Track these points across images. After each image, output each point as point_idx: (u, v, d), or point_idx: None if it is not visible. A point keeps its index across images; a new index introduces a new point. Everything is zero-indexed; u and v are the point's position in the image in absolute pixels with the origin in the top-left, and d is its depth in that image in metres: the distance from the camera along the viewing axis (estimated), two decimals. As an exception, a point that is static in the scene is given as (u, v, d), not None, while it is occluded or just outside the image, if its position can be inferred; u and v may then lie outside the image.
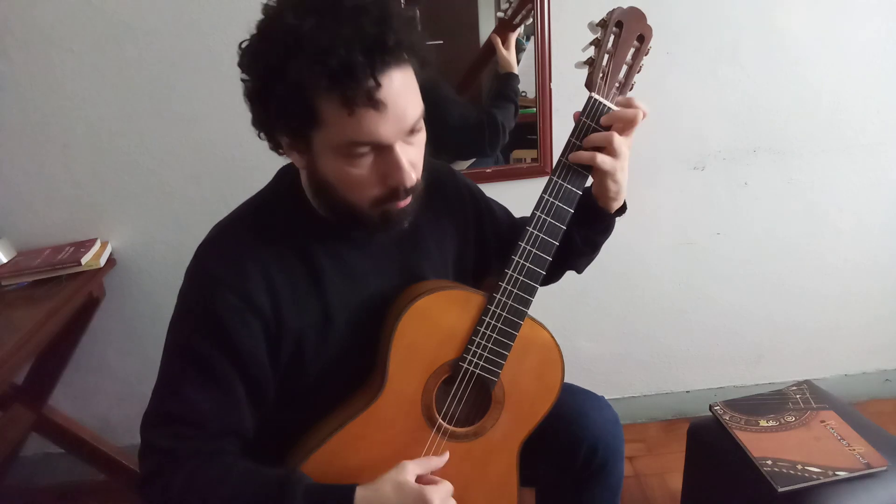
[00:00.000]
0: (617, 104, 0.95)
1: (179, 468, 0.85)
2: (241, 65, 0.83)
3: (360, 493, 0.84)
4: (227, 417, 0.90)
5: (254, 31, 0.81)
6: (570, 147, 0.94)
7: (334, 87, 0.75)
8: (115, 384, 1.90)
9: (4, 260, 1.63)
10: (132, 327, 1.83)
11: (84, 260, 1.57)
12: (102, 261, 1.63)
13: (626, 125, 0.93)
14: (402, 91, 0.79)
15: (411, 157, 0.85)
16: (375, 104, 0.77)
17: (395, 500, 0.84)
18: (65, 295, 1.50)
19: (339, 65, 0.73)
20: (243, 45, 0.82)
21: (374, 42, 0.75)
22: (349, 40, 0.74)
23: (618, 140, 0.92)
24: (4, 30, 1.52)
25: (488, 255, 1.14)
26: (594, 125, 0.94)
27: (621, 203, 1.03)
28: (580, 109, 0.95)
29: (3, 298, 1.51)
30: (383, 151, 0.82)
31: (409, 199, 0.88)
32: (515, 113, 1.68)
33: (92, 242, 1.67)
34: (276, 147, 0.89)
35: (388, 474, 0.86)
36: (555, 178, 0.94)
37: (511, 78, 1.65)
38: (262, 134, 0.88)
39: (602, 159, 0.92)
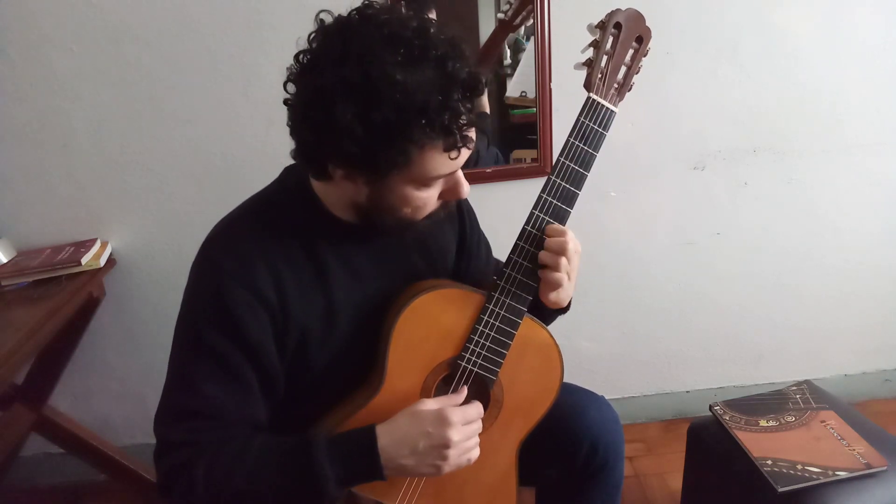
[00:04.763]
0: (548, 233, 0.94)
1: (201, 457, 0.86)
2: (320, 103, 0.77)
3: (380, 428, 0.87)
4: (243, 408, 0.91)
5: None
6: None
7: (446, 139, 0.79)
8: (115, 384, 1.90)
9: (4, 260, 1.63)
10: (132, 327, 1.83)
11: (84, 260, 1.57)
12: (102, 261, 1.63)
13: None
14: None
15: None
16: (471, 144, 0.83)
17: (412, 428, 0.86)
18: (65, 295, 1.49)
19: (450, 119, 0.77)
20: (321, 84, 0.77)
21: (471, 87, 0.80)
22: (451, 90, 0.77)
23: (564, 263, 0.93)
24: (4, 30, 1.52)
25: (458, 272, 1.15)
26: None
27: (566, 304, 1.01)
28: (580, 110, 0.95)
29: (3, 298, 1.50)
30: (451, 175, 0.88)
31: None
32: (488, 145, 1.70)
33: (92, 242, 1.66)
34: (319, 174, 0.87)
35: (403, 409, 0.89)
36: (552, 177, 0.95)
37: (482, 116, 1.65)
38: (306, 162, 0.86)
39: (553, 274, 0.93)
